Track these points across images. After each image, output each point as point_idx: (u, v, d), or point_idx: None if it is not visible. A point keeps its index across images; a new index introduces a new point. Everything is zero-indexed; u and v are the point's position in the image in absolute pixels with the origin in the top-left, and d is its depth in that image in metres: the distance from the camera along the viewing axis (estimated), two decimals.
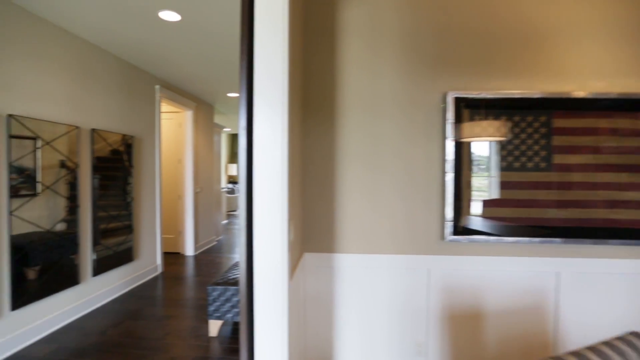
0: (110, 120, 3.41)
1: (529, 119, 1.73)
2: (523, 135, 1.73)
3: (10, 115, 2.40)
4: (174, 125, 5.27)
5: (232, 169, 13.22)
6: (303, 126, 1.91)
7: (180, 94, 4.85)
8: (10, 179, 2.47)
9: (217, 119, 7.75)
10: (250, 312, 1.36)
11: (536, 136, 1.72)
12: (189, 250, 5.24)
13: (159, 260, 4.30)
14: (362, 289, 1.88)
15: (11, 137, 2.41)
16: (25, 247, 2.51)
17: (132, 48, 3.27)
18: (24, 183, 2.56)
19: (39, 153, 2.61)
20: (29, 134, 2.54)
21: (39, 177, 2.64)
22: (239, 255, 1.33)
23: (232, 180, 13.66)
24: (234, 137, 13.59)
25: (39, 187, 2.62)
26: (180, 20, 2.71)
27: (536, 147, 1.72)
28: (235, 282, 2.62)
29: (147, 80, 4.04)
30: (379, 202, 1.87)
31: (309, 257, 1.91)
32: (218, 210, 6.42)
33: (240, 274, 1.34)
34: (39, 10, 2.54)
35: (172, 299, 3.41)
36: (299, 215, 1.76)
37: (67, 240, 2.87)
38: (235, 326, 2.81)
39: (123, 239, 3.59)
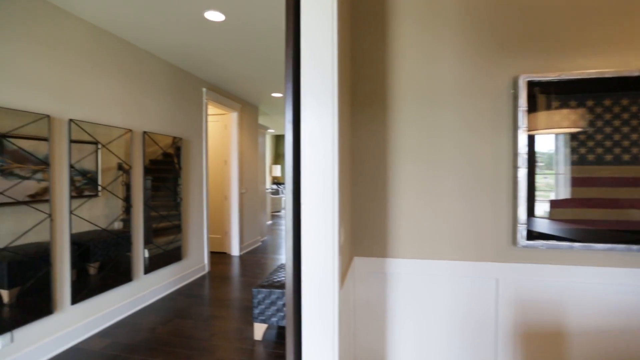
0: (160, 123, 3.51)
1: (625, 102, 1.44)
2: (617, 122, 1.45)
3: (71, 120, 2.51)
4: (220, 127, 5.37)
5: (276, 170, 13.41)
6: (352, 119, 1.76)
7: (226, 95, 4.93)
8: (75, 181, 2.60)
9: (262, 120, 7.84)
10: (298, 319, 1.24)
11: (635, 122, 1.43)
12: (235, 250, 5.30)
13: (205, 259, 4.37)
14: (418, 298, 1.69)
15: (72, 141, 2.53)
16: (84, 245, 2.62)
17: (180, 52, 3.34)
18: (87, 184, 2.69)
19: (99, 156, 2.72)
20: (88, 138, 2.65)
21: (99, 179, 2.75)
22: (286, 260, 1.21)
23: (277, 181, 13.85)
24: (277, 138, 13.78)
25: (99, 189, 2.73)
26: (224, 20, 2.70)
27: (635, 136, 1.43)
28: (280, 285, 2.53)
29: (194, 84, 4.13)
30: (438, 202, 1.67)
31: (359, 262, 1.76)
32: (263, 211, 6.46)
33: (287, 279, 1.22)
34: (94, 18, 2.64)
35: (218, 299, 3.42)
36: (348, 216, 1.62)
37: (122, 239, 2.97)
38: (281, 330, 2.72)
39: (172, 238, 3.68)
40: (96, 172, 2.79)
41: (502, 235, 1.62)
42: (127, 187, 3.05)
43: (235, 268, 4.55)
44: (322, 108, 1.16)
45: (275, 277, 2.76)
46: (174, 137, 3.70)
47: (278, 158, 14.15)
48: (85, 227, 2.64)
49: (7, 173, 2.17)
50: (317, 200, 1.17)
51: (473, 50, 1.63)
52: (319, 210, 1.16)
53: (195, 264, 4.14)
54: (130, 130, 3.06)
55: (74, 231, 2.56)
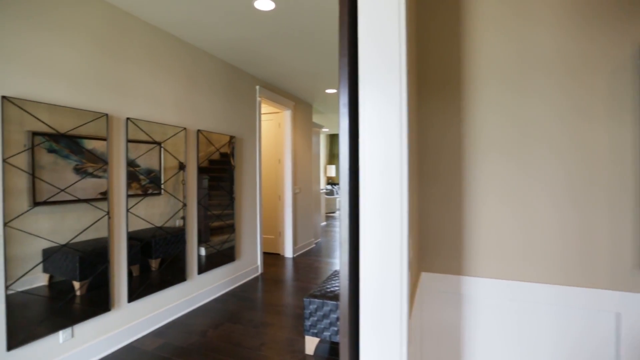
0: (214, 121, 3.48)
1: None
2: None
3: (128, 119, 2.54)
4: (273, 125, 5.32)
5: (331, 170, 13.27)
6: (418, 108, 1.47)
7: (279, 93, 4.84)
8: (141, 180, 2.65)
9: (315, 119, 7.71)
10: (355, 343, 0.99)
11: None
12: (288, 252, 5.20)
13: (259, 261, 4.31)
14: (503, 327, 1.35)
15: (129, 141, 2.55)
16: (140, 243, 2.64)
17: (232, 47, 3.27)
18: (150, 183, 2.72)
19: (162, 155, 2.73)
20: (144, 137, 2.66)
21: (162, 178, 2.77)
22: (340, 278, 0.97)
23: (331, 182, 13.71)
24: (332, 138, 13.64)
25: (162, 187, 2.75)
26: (274, 9, 2.54)
27: None
28: (334, 297, 2.30)
29: (248, 82, 4.08)
30: (529, 209, 1.31)
31: (427, 279, 1.46)
32: (317, 211, 6.31)
33: (342, 295, 0.98)
34: (149, 17, 2.65)
35: (270, 304, 3.29)
36: (415, 223, 1.33)
37: (176, 238, 2.97)
38: (334, 345, 2.49)
39: (226, 238, 3.64)
40: (159, 171, 2.82)
41: (625, 256, 1.21)
42: (183, 185, 3.04)
43: (289, 271, 4.43)
44: (388, 88, 0.90)
45: (328, 285, 2.54)
46: (228, 136, 3.66)
47: (332, 158, 14.00)
48: (141, 225, 2.66)
49: (82, 172, 2.23)
50: (380, 205, 0.91)
51: (577, 14, 1.24)
52: (383, 217, 0.90)
53: (248, 265, 4.09)
54: (185, 129, 3.05)
55: (130, 229, 2.58)
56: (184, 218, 3.05)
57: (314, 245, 5.98)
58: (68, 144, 2.16)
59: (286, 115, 5.17)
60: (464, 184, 1.40)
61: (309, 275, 4.21)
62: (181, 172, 3.03)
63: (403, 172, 0.88)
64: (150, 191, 2.75)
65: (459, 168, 1.40)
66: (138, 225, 2.64)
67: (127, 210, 2.55)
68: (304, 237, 5.62)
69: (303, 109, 5.65)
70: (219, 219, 3.54)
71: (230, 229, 3.72)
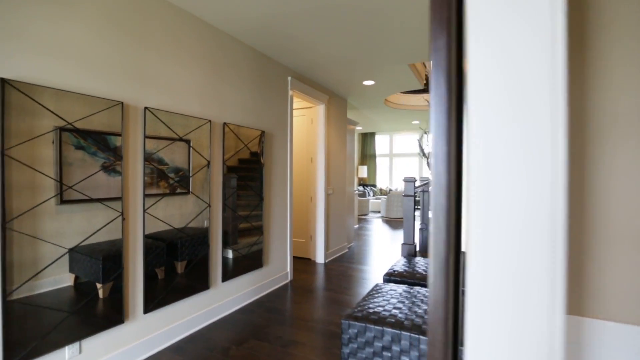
0: (241, 114, 3.18)
1: None
2: None
3: (146, 108, 2.27)
4: (305, 121, 4.97)
5: (363, 171, 12.80)
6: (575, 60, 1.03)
7: (312, 85, 4.49)
8: (170, 178, 2.41)
9: (350, 115, 7.30)
10: None
11: None
12: (319, 257, 4.83)
13: (288, 267, 3.96)
14: None
15: (148, 137, 2.28)
16: (159, 246, 2.36)
17: (261, 29, 2.93)
18: (179, 182, 2.47)
19: (190, 152, 2.46)
20: (164, 129, 2.39)
21: (190, 177, 2.50)
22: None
23: (363, 183, 13.23)
24: (364, 137, 13.17)
25: (190, 187, 2.47)
26: None
27: None
28: (378, 320, 1.89)
29: (279, 72, 3.75)
30: None
31: (592, 328, 0.99)
32: (350, 214, 5.90)
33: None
34: None
35: (301, 318, 2.93)
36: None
37: (198, 241, 2.68)
38: None
39: (253, 241, 3.33)
40: (188, 170, 2.56)
41: None
42: (207, 184, 2.75)
43: (321, 279, 4.05)
44: (530, 23, 0.49)
45: (370, 304, 2.13)
46: (257, 131, 3.35)
47: (365, 159, 13.52)
48: (159, 227, 2.38)
49: (109, 169, 1.99)
50: (513, 226, 0.50)
51: None
52: (520, 246, 0.50)
53: (277, 271, 3.75)
54: (209, 121, 2.75)
55: (151, 230, 2.31)
56: (207, 219, 2.76)
57: (346, 250, 5.57)
58: (91, 138, 1.90)
59: (319, 111, 4.81)
60: None
61: (343, 285, 3.81)
62: (205, 169, 2.74)
63: (559, 177, 0.47)
64: (178, 190, 2.48)
65: None
66: (156, 227, 2.36)
67: (144, 211, 2.27)
68: (336, 241, 5.23)
69: (337, 103, 5.27)
70: (247, 220, 3.23)
71: (259, 231, 3.40)
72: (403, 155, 13.74)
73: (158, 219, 2.36)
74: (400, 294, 2.26)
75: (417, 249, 3.96)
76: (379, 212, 11.24)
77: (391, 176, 13.97)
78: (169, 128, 2.42)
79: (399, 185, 13.72)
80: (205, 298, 2.77)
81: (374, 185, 14.01)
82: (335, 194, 5.22)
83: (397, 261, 3.20)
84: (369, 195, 12.52)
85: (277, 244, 3.75)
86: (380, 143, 14.09)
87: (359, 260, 4.99)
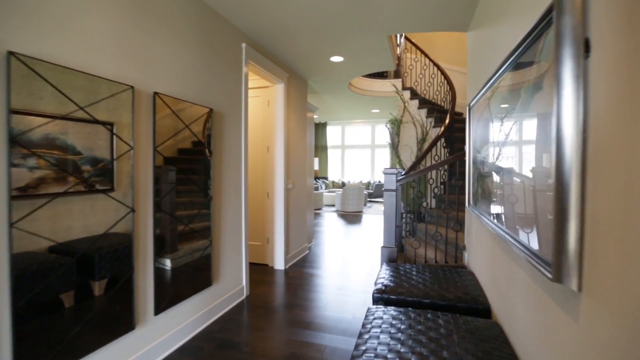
0: (180, 84, 2.34)
1: None
2: None
3: (10, 53, 1.37)
4: (261, 103, 4.19)
5: (314, 163, 12.23)
6: None
7: (271, 59, 3.72)
8: (84, 171, 1.53)
9: (309, 100, 6.61)
10: None
11: None
12: (279, 262, 4.13)
13: (244, 279, 3.22)
14: None
15: (15, 112, 1.38)
16: (59, 266, 1.49)
17: None
18: (96, 176, 1.60)
19: (113, 140, 1.58)
20: (54, 99, 1.50)
21: (114, 169, 1.62)
22: None
23: (315, 176, 12.69)
24: (316, 127, 12.59)
25: (114, 181, 1.61)
26: None
27: None
28: None
29: (231, 36, 2.94)
30: None
31: None
32: (310, 210, 5.27)
33: None
34: None
35: (266, 356, 2.23)
36: None
37: (117, 256, 1.84)
38: None
39: (199, 248, 2.53)
40: (101, 159, 1.71)
41: None
42: (130, 178, 1.91)
43: (283, 291, 3.37)
44: None
45: (369, 347, 1.51)
46: (203, 108, 2.53)
47: (316, 150, 12.96)
48: (65, 236, 1.52)
49: None
50: None
51: None
52: None
53: (230, 287, 2.99)
54: (131, 88, 1.90)
55: (14, 251, 1.44)
56: (130, 226, 1.92)
57: (307, 252, 4.93)
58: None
59: (278, 91, 4.06)
60: None
61: (312, 300, 3.17)
62: (128, 158, 1.89)
63: None
64: (107, 187, 1.63)
65: None
66: (26, 243, 1.50)
67: (11, 224, 1.40)
68: (297, 242, 4.56)
69: (298, 84, 4.55)
70: (191, 222, 2.42)
71: (206, 236, 2.60)
72: (355, 147, 13.43)
73: (29, 232, 1.49)
74: (411, 326, 1.68)
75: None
76: (333, 205, 10.77)
77: (343, 168, 13.60)
78: (61, 93, 1.54)
79: (351, 178, 13.40)
80: (129, 343, 1.94)
81: (326, 178, 13.54)
82: (296, 188, 4.54)
83: (381, 271, 2.64)
84: (322, 188, 12.01)
85: (230, 252, 2.98)
86: (332, 134, 13.63)
87: (323, 264, 4.38)
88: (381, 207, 10.30)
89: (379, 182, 12.46)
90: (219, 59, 2.78)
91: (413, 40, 5.73)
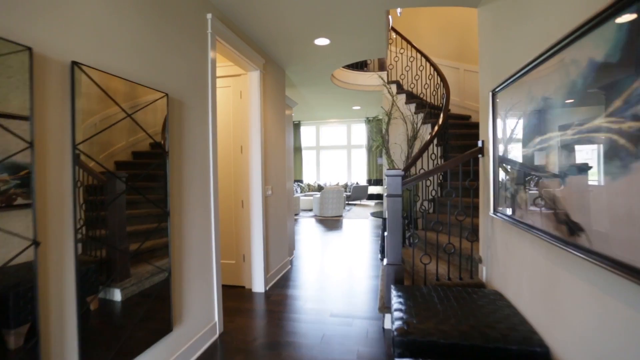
0: (115, 54, 1.66)
1: None
2: None
3: None
4: (232, 95, 3.53)
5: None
6: None
7: (245, 39, 3.08)
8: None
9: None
10: None
11: None
12: (258, 284, 3.47)
13: (216, 312, 2.54)
14: None
15: None
16: None
17: None
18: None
19: None
20: None
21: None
22: None
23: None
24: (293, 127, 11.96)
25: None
26: None
27: None
28: None
29: (194, 3, 2.28)
30: None
31: None
32: (290, 218, 4.64)
33: None
34: None
35: None
36: None
37: (13, 307, 1.15)
38: None
39: (158, 279, 1.85)
40: None
41: None
42: (23, 184, 1.22)
43: (264, 323, 2.71)
44: None
45: None
46: (154, 92, 1.85)
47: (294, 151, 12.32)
48: None
49: None
50: None
51: None
52: None
53: (197, 327, 2.31)
54: (28, 50, 1.21)
55: None
56: (33, 258, 1.23)
57: (289, 267, 4.30)
58: None
59: (252, 80, 3.41)
60: None
61: (303, 333, 2.55)
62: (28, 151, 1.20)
63: None
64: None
65: None
66: None
67: None
68: (277, 257, 3.92)
69: (275, 73, 3.93)
70: (140, 248, 1.74)
71: (160, 272, 1.92)
72: (331, 148, 12.91)
73: None
74: None
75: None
76: (310, 210, 10.17)
77: (319, 170, 13.04)
78: None
79: (327, 180, 12.87)
80: None
81: (301, 181, 12.92)
82: (275, 194, 3.90)
83: (393, 298, 2.08)
84: (297, 192, 11.38)
85: (197, 278, 2.31)
86: (306, 134, 13.04)
87: (309, 282, 3.77)
88: (361, 211, 9.81)
89: (357, 183, 12.02)
90: (176, 30, 2.11)
91: (398, 30, 5.27)
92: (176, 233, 2.08)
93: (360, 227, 7.20)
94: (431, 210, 3.98)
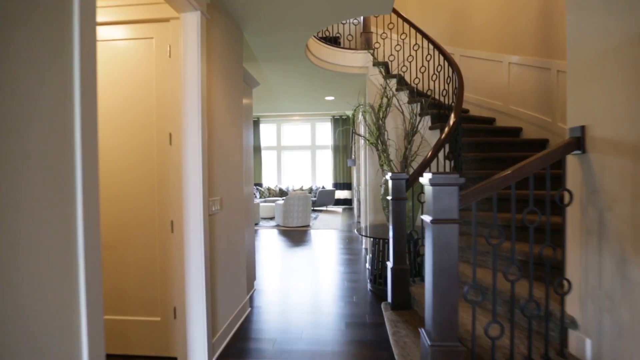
0: None
1: None
2: None
3: None
4: (155, 51, 2.21)
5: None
6: None
7: None
8: None
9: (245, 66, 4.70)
10: None
11: None
12: (198, 353, 2.16)
13: None
14: None
15: None
16: None
17: None
18: None
19: None
20: None
21: None
22: None
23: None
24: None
25: None
26: None
27: None
28: None
29: None
30: None
31: None
32: (250, 233, 3.38)
33: None
34: None
35: None
36: None
37: None
38: None
39: None
40: None
41: None
42: None
43: None
44: None
45: None
46: None
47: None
48: None
49: None
50: None
51: None
52: None
53: None
54: None
55: None
56: None
57: (249, 310, 3.03)
58: None
59: (188, 27, 2.13)
60: None
61: None
62: None
63: None
64: None
65: None
66: None
67: None
68: (230, 302, 2.64)
69: (227, 27, 2.66)
70: None
71: None
72: (294, 148, 11.70)
73: None
74: None
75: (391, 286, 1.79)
76: (272, 218, 8.88)
77: (280, 173, 11.77)
78: None
79: (290, 184, 11.63)
80: None
81: (260, 185, 11.56)
82: (227, 208, 2.62)
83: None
84: (257, 197, 10.03)
85: None
86: (266, 133, 11.74)
87: (281, 334, 2.53)
88: (329, 219, 8.70)
89: (323, 187, 10.92)
90: None
91: None
92: None
93: (331, 239, 6.08)
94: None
